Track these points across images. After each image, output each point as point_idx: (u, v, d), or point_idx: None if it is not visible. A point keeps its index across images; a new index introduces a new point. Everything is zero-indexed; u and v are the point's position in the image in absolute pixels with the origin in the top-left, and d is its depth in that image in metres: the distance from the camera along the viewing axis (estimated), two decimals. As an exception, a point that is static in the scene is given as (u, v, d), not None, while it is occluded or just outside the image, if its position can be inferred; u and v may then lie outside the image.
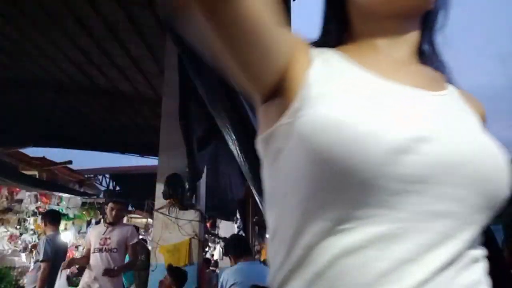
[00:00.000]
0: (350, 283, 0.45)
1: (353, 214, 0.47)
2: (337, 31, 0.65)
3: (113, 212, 4.81)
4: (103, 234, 4.70)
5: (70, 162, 9.85)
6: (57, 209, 8.98)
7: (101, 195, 12.68)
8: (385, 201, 0.46)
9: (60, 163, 9.77)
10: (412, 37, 0.61)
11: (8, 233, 7.44)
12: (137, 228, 7.95)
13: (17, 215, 7.94)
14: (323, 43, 0.63)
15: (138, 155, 13.60)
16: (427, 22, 0.64)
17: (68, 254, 8.69)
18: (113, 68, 8.19)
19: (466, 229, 0.49)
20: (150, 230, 10.59)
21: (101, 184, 15.71)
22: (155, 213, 5.13)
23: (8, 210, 7.83)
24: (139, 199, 11.96)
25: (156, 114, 8.77)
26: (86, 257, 4.67)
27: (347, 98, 0.50)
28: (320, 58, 0.56)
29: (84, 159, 15.62)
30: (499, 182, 0.50)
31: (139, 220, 12.90)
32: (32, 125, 11.36)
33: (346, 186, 0.46)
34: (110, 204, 4.80)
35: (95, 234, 4.74)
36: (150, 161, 13.61)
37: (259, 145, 0.58)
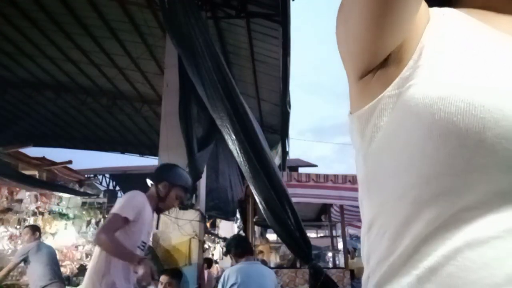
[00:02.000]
0: (475, 283, 0.36)
1: (484, 198, 0.38)
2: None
3: None
4: None
5: (70, 162, 9.83)
6: (57, 210, 9.01)
7: (101, 195, 12.68)
8: None
9: (60, 163, 9.76)
10: None
11: (8, 233, 7.43)
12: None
13: (17, 215, 7.94)
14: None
15: (138, 155, 13.65)
16: None
17: (67, 254, 8.71)
18: (113, 68, 8.21)
19: None
20: (150, 230, 10.60)
21: (101, 184, 15.73)
22: (155, 213, 5.13)
23: (8, 210, 7.83)
24: (139, 199, 11.95)
25: (156, 114, 8.80)
26: None
27: (470, 59, 0.42)
28: (438, 16, 0.48)
29: (84, 159, 15.63)
30: None
31: (139, 220, 12.89)
32: (32, 125, 11.39)
33: (480, 165, 0.38)
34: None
35: None
36: (150, 161, 13.69)
37: (353, 125, 0.51)
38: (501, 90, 0.38)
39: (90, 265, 2.37)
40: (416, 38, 0.45)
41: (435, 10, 0.49)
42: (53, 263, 4.92)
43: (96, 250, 2.35)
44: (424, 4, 0.46)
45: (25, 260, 4.75)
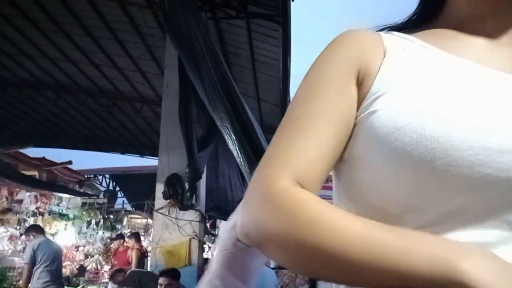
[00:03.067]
0: None
1: (438, 218, 0.43)
2: (429, 13, 0.61)
3: None
4: None
5: (70, 162, 9.85)
6: (57, 210, 9.01)
7: (101, 196, 12.67)
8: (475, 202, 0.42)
9: (60, 163, 9.77)
10: None
11: (8, 233, 7.44)
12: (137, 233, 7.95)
13: (17, 215, 7.95)
14: (404, 27, 0.60)
15: (138, 156, 13.65)
16: None
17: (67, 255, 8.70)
18: (113, 68, 8.21)
19: None
20: (150, 231, 10.58)
21: (101, 184, 15.71)
22: (155, 214, 5.13)
23: (8, 210, 7.84)
24: (139, 199, 11.95)
25: (156, 115, 8.80)
26: None
27: (424, 90, 0.46)
28: (395, 47, 0.52)
29: (84, 159, 15.64)
30: None
31: (139, 220, 12.89)
32: (32, 125, 11.38)
33: (432, 189, 0.43)
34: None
35: None
36: (150, 161, 13.68)
37: None
38: (450, 121, 0.42)
39: None
40: (374, 71, 0.50)
41: (395, 43, 0.53)
42: (53, 264, 4.92)
43: None
44: (376, 39, 0.53)
45: (33, 258, 4.77)
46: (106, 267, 9.12)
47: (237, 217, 0.50)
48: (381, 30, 0.59)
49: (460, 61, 0.50)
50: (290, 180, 0.45)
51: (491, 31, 0.54)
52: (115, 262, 7.15)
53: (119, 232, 10.90)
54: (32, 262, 4.79)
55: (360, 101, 0.50)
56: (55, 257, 4.99)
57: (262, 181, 0.47)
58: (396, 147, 0.43)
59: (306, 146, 0.48)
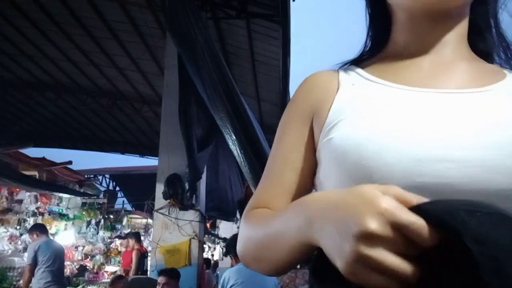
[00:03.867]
0: None
1: None
2: (378, 42, 0.69)
3: None
4: None
5: (70, 162, 9.84)
6: (57, 210, 9.01)
7: (101, 196, 12.67)
8: None
9: (60, 163, 9.76)
10: (458, 30, 0.59)
11: (8, 233, 7.43)
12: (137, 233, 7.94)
13: (17, 215, 7.94)
14: (360, 59, 0.69)
15: (138, 156, 13.64)
16: (480, 9, 0.62)
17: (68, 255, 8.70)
18: (113, 68, 8.21)
19: None
20: (150, 231, 10.58)
21: (101, 184, 15.72)
22: (155, 214, 5.13)
23: (8, 210, 7.83)
24: (139, 199, 11.95)
25: (156, 115, 8.79)
26: None
27: (365, 119, 0.55)
28: (347, 83, 0.62)
29: (84, 159, 15.64)
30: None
31: (139, 220, 12.89)
32: (32, 125, 11.38)
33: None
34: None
35: None
36: (150, 161, 13.68)
37: None
38: (383, 143, 0.51)
39: None
40: (327, 107, 0.61)
41: (348, 78, 0.63)
42: (55, 264, 4.91)
43: None
44: (331, 80, 0.64)
45: (35, 259, 4.77)
46: (107, 267, 9.13)
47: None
48: (344, 65, 0.69)
49: (398, 89, 0.58)
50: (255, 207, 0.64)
51: (431, 51, 0.60)
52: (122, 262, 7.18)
53: (119, 232, 10.92)
54: (34, 263, 4.79)
55: (319, 132, 0.61)
56: (57, 257, 4.97)
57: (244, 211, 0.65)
58: (344, 167, 0.54)
59: (267, 187, 0.65)
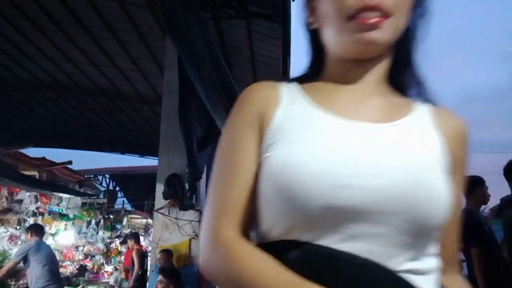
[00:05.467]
0: None
1: (308, 237, 0.59)
2: (316, 67, 0.76)
3: None
4: None
5: (70, 162, 9.84)
6: (57, 210, 9.00)
7: (101, 196, 12.67)
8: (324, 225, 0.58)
9: (60, 163, 9.76)
10: (379, 70, 0.70)
11: (8, 233, 7.43)
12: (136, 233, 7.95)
13: (17, 215, 7.94)
14: (302, 78, 0.75)
15: (138, 156, 13.65)
16: (400, 50, 0.71)
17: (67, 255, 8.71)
18: (113, 68, 8.21)
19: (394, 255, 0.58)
20: (150, 231, 10.59)
21: (101, 184, 15.72)
22: (155, 214, 5.14)
23: (8, 210, 7.83)
24: (139, 199, 11.96)
25: (156, 115, 8.80)
26: None
27: (300, 142, 0.62)
28: (288, 99, 0.68)
29: (84, 159, 15.65)
30: (428, 217, 0.58)
31: (139, 220, 12.89)
32: (32, 125, 11.39)
33: (296, 217, 0.60)
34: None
35: None
36: (150, 161, 13.69)
37: None
38: (308, 170, 0.58)
39: None
40: (269, 120, 0.66)
41: (288, 96, 0.69)
42: (51, 264, 4.90)
43: None
44: (273, 94, 0.69)
45: (25, 260, 4.73)
46: (107, 267, 9.13)
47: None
48: (290, 80, 0.75)
49: (329, 116, 0.65)
50: (232, 229, 0.63)
51: (355, 87, 0.69)
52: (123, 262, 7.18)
53: (119, 233, 10.92)
54: (20, 262, 4.75)
55: (262, 142, 0.66)
56: (50, 259, 4.96)
57: (211, 229, 0.65)
58: (273, 189, 0.61)
59: (234, 193, 0.65)
